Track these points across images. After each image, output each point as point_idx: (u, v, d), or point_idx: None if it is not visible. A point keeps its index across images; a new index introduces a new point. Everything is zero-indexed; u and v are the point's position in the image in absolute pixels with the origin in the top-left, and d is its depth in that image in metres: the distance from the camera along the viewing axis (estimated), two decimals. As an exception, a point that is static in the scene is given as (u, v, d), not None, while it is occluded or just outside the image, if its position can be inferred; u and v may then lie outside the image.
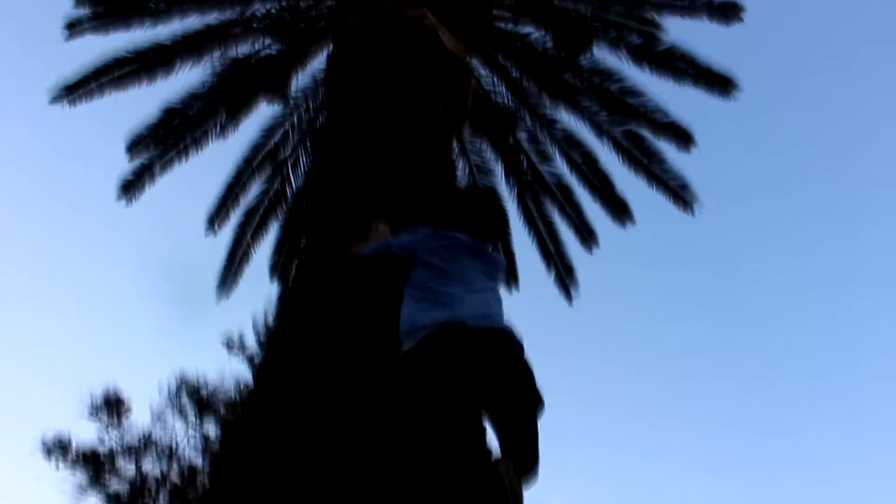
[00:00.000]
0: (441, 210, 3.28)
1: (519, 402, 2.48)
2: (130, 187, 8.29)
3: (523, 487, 2.37)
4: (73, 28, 7.41)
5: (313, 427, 2.48)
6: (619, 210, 8.48)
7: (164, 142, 8.11)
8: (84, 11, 7.42)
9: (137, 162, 8.20)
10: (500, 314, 2.73)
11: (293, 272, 8.75)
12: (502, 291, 2.98)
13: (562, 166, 8.49)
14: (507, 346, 2.54)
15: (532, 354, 2.62)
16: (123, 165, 8.26)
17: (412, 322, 2.57)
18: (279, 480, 2.40)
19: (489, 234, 3.08)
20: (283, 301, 3.54)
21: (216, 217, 8.83)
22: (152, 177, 8.29)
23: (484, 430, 2.57)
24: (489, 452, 2.48)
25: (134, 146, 8.07)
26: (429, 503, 2.17)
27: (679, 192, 8.10)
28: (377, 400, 2.53)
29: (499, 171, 8.68)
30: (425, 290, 2.66)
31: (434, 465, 2.24)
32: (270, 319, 16.45)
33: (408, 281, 2.75)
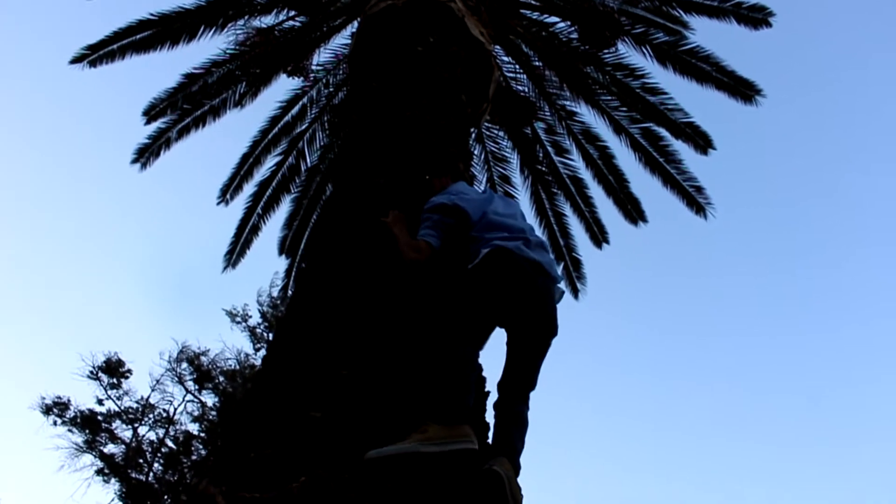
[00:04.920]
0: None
1: (540, 325, 2.72)
2: (145, 152, 8.26)
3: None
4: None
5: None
6: (633, 209, 8.45)
7: (181, 108, 8.08)
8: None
9: (154, 126, 8.19)
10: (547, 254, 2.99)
11: (302, 248, 8.78)
12: None
13: (578, 160, 8.46)
14: (545, 275, 2.80)
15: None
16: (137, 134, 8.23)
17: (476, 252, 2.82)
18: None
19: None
20: (301, 278, 3.51)
21: (229, 188, 8.82)
22: (168, 143, 8.26)
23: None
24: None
25: (151, 111, 8.04)
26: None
27: (694, 196, 8.05)
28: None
29: (514, 159, 8.66)
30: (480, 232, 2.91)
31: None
32: (275, 293, 16.47)
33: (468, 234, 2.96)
